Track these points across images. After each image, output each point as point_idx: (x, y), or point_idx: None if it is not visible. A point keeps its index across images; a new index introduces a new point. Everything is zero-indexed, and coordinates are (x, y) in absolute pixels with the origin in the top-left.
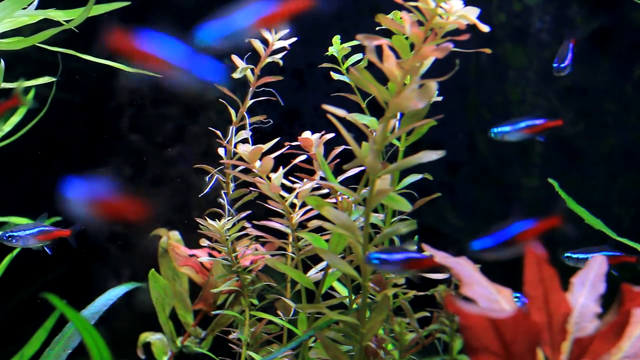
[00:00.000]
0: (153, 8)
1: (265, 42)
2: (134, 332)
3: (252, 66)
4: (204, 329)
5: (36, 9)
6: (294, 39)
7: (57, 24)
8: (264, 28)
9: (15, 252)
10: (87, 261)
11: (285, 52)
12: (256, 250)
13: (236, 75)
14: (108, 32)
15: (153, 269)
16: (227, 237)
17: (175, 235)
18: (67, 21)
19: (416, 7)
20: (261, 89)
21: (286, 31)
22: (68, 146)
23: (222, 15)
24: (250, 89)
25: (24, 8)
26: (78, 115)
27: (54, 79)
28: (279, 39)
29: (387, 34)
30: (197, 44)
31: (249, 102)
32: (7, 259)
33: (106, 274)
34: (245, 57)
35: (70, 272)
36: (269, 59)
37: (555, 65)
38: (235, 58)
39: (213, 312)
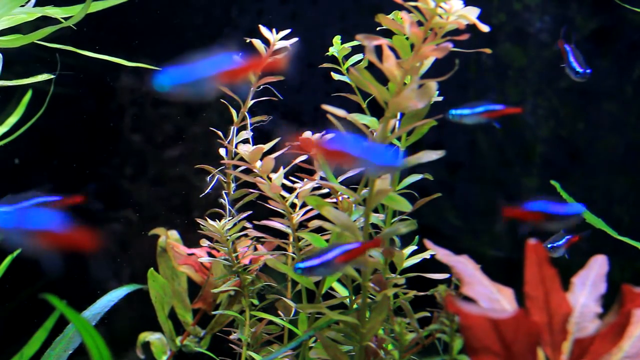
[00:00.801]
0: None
1: (266, 42)
2: (133, 332)
3: None
4: (203, 328)
5: (34, 6)
6: (295, 39)
7: (55, 21)
8: (227, 82)
9: (16, 252)
10: (91, 264)
11: (286, 52)
12: (256, 250)
13: None
14: (300, 138)
15: (152, 269)
16: (228, 237)
17: (173, 234)
18: (65, 18)
19: (416, 7)
20: (261, 88)
21: (287, 31)
22: (68, 146)
23: (185, 62)
24: (252, 89)
25: (22, 5)
26: (78, 114)
27: (52, 77)
28: (280, 39)
29: (388, 34)
30: (155, 88)
31: (250, 102)
32: (8, 259)
33: (109, 278)
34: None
35: (73, 276)
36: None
37: (580, 70)
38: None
39: (213, 312)
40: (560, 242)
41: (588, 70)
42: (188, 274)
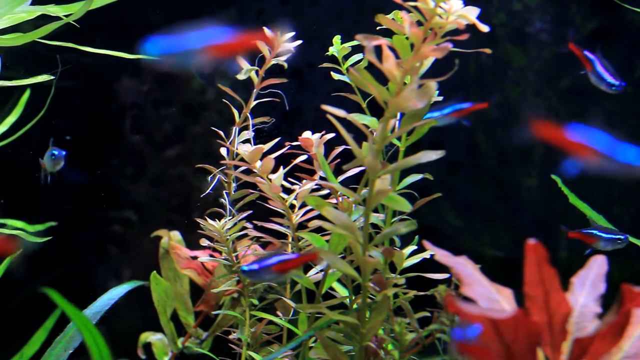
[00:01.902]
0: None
1: (269, 44)
2: (134, 333)
3: (256, 67)
4: (205, 330)
5: (31, 4)
6: (299, 42)
7: (55, 19)
8: (217, 56)
9: (15, 254)
10: (87, 262)
11: (290, 54)
12: (256, 251)
13: (240, 76)
14: (537, 122)
15: (155, 272)
16: (228, 237)
17: (176, 235)
18: (66, 16)
19: (416, 7)
20: (267, 90)
21: (292, 34)
22: (68, 146)
23: (175, 31)
24: (254, 90)
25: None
26: (78, 114)
27: (52, 77)
28: (284, 42)
29: (388, 34)
30: (143, 54)
31: (253, 103)
32: (8, 259)
33: (106, 275)
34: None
35: (70, 273)
36: (274, 61)
37: (617, 83)
38: (240, 59)
39: (213, 312)
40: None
41: (624, 83)
42: (190, 276)
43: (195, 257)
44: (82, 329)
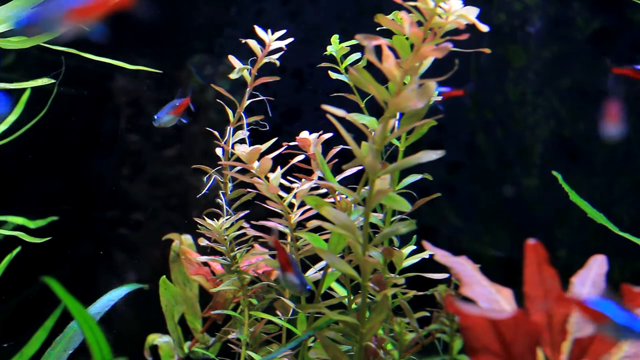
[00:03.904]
0: None
1: (262, 42)
2: (136, 333)
3: (248, 66)
4: (212, 335)
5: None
6: (290, 40)
7: None
8: (78, 20)
9: (15, 252)
10: (91, 265)
11: (283, 52)
12: (253, 247)
13: (233, 75)
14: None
15: (164, 277)
16: (226, 237)
17: (187, 239)
18: None
19: (416, 7)
20: (265, 89)
21: (283, 31)
22: (67, 146)
23: (44, 3)
24: (247, 89)
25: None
26: (77, 115)
27: (53, 80)
28: (276, 40)
29: (388, 33)
30: (14, 28)
31: (246, 103)
32: (7, 259)
33: (110, 278)
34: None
35: (73, 276)
36: (266, 59)
37: None
38: (232, 58)
39: (212, 312)
40: None
41: None
42: (199, 282)
43: (206, 264)
44: (83, 324)
